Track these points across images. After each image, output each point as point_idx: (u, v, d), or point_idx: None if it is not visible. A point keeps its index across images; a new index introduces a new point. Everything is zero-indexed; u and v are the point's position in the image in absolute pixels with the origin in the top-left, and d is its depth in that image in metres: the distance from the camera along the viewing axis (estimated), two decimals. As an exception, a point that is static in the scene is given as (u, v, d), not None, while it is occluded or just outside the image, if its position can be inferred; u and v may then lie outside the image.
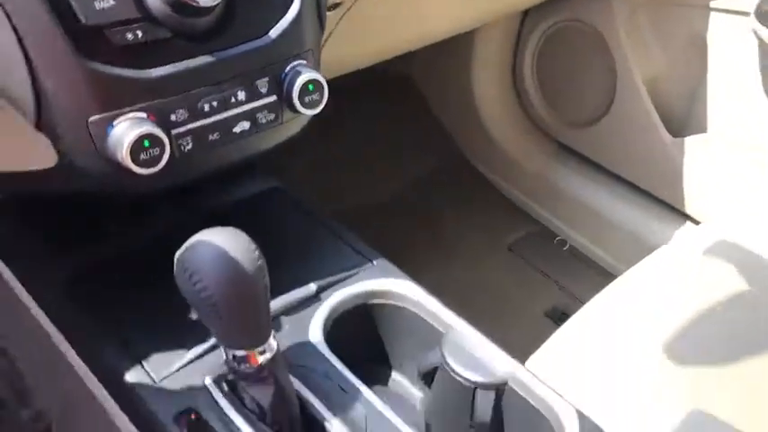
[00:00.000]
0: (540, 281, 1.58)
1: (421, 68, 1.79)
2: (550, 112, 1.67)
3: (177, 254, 0.59)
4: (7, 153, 0.72)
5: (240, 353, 0.62)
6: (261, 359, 0.62)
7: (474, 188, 1.76)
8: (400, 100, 1.83)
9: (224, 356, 0.64)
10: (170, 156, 0.64)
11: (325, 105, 0.74)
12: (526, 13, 1.61)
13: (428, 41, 1.24)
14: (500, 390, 0.74)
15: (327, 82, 0.73)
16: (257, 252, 0.60)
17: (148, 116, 0.63)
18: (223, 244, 0.58)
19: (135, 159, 0.61)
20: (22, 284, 0.84)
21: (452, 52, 1.67)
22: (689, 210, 1.47)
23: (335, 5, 0.89)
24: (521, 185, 1.72)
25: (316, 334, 0.76)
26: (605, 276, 1.44)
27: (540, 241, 1.66)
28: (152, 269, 0.81)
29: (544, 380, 0.73)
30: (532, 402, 0.72)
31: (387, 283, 0.82)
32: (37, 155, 0.67)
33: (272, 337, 0.64)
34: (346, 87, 0.92)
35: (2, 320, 1.04)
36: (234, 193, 0.91)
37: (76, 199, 0.79)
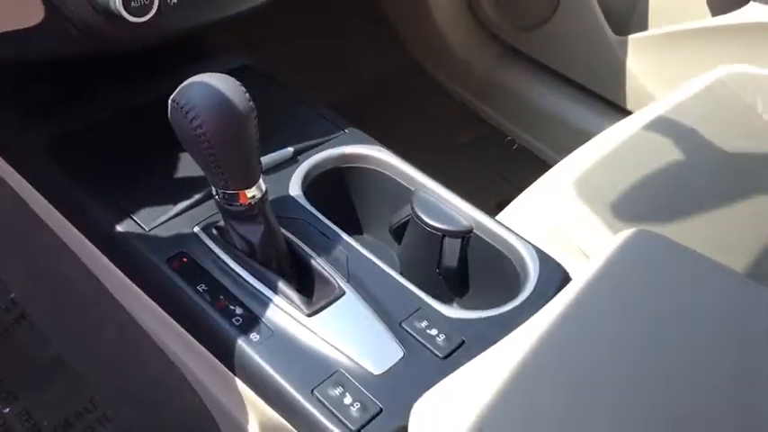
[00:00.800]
0: (491, 177, 1.66)
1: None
2: (499, 15, 1.71)
3: (171, 96, 0.63)
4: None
5: (231, 191, 0.67)
6: (250, 195, 0.67)
7: (426, 91, 1.81)
8: (356, 12, 1.84)
9: (215, 196, 0.68)
10: (158, 8, 0.66)
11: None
12: None
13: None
14: (466, 237, 0.80)
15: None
16: (248, 95, 0.64)
17: (137, -35, 0.65)
18: (217, 84, 0.62)
19: (126, 6, 0.63)
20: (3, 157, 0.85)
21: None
22: (631, 106, 1.55)
23: None
24: (471, 87, 1.78)
25: (295, 189, 0.80)
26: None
27: (491, 141, 1.73)
28: (133, 136, 0.84)
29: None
30: (496, 245, 0.79)
31: (360, 148, 0.87)
32: (23, 11, 0.69)
33: (260, 179, 0.68)
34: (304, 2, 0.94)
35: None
36: (206, 69, 0.94)
37: (56, 62, 0.81)
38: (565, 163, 1.06)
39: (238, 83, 0.64)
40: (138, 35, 0.69)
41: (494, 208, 0.96)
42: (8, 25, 0.73)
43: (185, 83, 0.62)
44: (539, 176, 1.00)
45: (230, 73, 0.64)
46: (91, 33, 0.67)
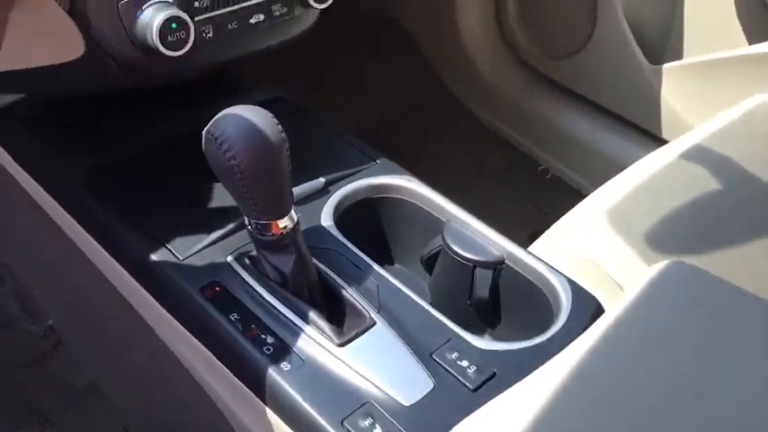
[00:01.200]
0: (524, 208, 1.64)
1: (407, 6, 1.82)
2: (532, 43, 1.72)
3: (206, 128, 0.64)
4: (36, 47, 0.75)
5: (263, 221, 0.67)
6: (282, 226, 0.67)
7: (457, 119, 1.81)
8: (385, 38, 1.86)
9: (248, 226, 0.69)
10: (193, 42, 0.68)
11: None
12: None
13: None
14: (497, 268, 0.80)
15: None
16: (280, 126, 0.65)
17: (173, 1, 0.67)
18: (250, 116, 0.63)
19: (163, 41, 0.65)
20: (38, 183, 0.87)
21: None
22: (666, 135, 1.53)
23: None
24: (503, 116, 1.78)
25: (327, 220, 0.81)
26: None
27: (524, 170, 1.72)
28: (167, 166, 0.86)
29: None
30: (528, 277, 0.78)
31: (391, 179, 0.87)
32: (64, 46, 0.71)
33: (292, 210, 0.69)
34: (334, 30, 0.95)
35: (8, 239, 1.07)
36: (238, 100, 0.95)
37: (96, 96, 0.83)
38: (598, 193, 1.05)
39: (271, 114, 0.64)
40: (174, 68, 0.71)
41: (527, 239, 0.96)
42: (50, 59, 0.75)
43: (219, 115, 0.63)
44: (572, 206, 0.99)
45: (263, 105, 0.66)
46: (129, 67, 0.69)
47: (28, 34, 0.75)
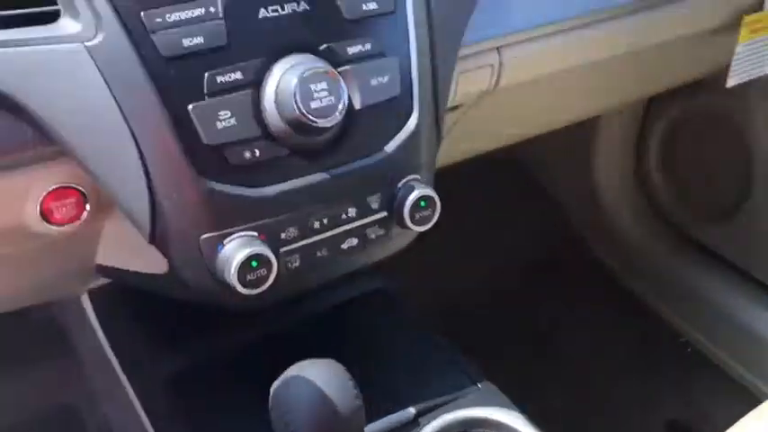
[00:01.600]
0: (659, 388, 1.45)
1: (538, 152, 1.73)
2: (678, 203, 1.57)
3: (273, 386, 0.57)
4: (126, 255, 0.73)
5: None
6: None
7: (592, 279, 1.67)
8: (514, 184, 1.77)
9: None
10: (276, 274, 0.62)
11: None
12: (652, 97, 1.54)
13: (548, 130, 1.19)
14: None
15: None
16: (355, 391, 0.57)
17: (259, 235, 0.61)
18: (320, 382, 0.56)
19: (241, 280, 0.60)
20: (127, 377, 0.85)
21: (572, 136, 1.61)
22: (835, 323, 1.33)
23: (454, 108, 0.86)
24: (642, 278, 1.62)
25: (413, 467, 0.71)
26: (732, 387, 1.32)
27: (661, 342, 1.54)
28: (251, 373, 0.80)
29: None
30: None
31: (492, 413, 0.76)
32: (151, 261, 0.68)
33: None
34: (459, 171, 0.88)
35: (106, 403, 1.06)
36: (338, 294, 0.89)
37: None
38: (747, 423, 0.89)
39: (346, 375, 0.57)
40: (255, 302, 0.65)
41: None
42: (138, 267, 0.73)
43: (287, 375, 0.57)
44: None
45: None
46: (207, 297, 0.65)
47: (119, 243, 0.73)
